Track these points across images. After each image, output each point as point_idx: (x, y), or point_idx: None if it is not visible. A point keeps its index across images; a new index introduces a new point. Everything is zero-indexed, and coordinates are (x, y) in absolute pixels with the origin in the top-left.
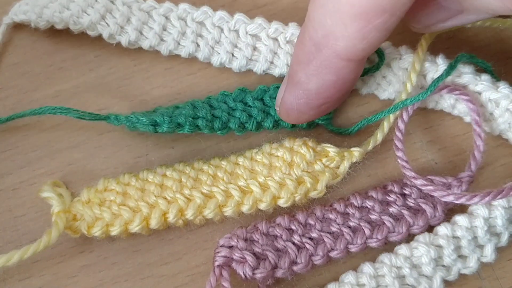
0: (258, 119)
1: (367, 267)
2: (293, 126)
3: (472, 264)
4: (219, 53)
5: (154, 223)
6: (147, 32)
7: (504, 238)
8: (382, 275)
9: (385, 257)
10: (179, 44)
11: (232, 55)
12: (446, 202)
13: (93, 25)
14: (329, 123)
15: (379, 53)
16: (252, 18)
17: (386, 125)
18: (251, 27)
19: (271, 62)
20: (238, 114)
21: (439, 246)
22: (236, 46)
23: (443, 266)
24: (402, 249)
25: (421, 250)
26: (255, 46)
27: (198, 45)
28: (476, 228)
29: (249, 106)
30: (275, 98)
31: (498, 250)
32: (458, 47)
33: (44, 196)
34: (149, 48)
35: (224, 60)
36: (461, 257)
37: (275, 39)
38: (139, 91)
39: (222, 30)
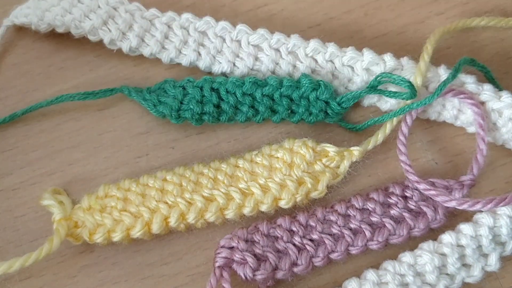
0: (264, 116)
1: (370, 274)
2: (301, 119)
3: (476, 273)
4: (220, 63)
5: (155, 228)
6: (148, 39)
7: (509, 247)
8: (385, 282)
9: (388, 265)
10: (180, 52)
11: (234, 64)
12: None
13: (95, 30)
14: (341, 119)
15: (410, 87)
16: (252, 18)
17: (388, 126)
18: (253, 38)
19: (273, 72)
20: (245, 109)
21: (443, 255)
22: (238, 56)
23: (447, 274)
24: (406, 257)
25: (425, 258)
26: (257, 56)
27: (200, 54)
28: (481, 237)
29: (258, 101)
30: (286, 96)
31: (502, 258)
32: (459, 46)
33: (45, 204)
34: (150, 56)
35: (226, 69)
36: (465, 265)
37: (277, 50)
38: None
39: (224, 40)
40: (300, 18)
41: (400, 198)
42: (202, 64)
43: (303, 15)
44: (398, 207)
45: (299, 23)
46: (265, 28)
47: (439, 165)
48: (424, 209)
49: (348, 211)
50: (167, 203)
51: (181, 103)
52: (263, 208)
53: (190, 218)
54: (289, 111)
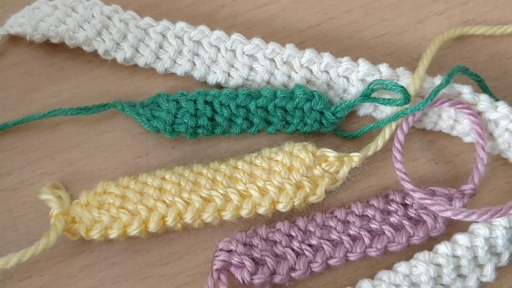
0: (259, 128)
1: (365, 284)
2: (296, 130)
3: (471, 284)
4: (215, 73)
5: (152, 226)
6: (143, 50)
7: (505, 258)
8: None
9: (383, 275)
10: (175, 62)
11: (229, 74)
12: None
13: (89, 40)
14: (337, 128)
15: (404, 92)
16: (252, 18)
17: (387, 132)
18: (248, 48)
19: (268, 83)
20: (239, 121)
21: (439, 265)
22: (232, 66)
23: (442, 285)
24: (401, 267)
25: (420, 268)
26: (251, 66)
27: (194, 64)
28: (477, 247)
29: (252, 113)
30: (280, 107)
31: (498, 269)
32: (459, 46)
33: (43, 198)
34: (145, 66)
35: (220, 79)
36: (460, 276)
37: (272, 60)
38: (139, 91)
39: (219, 49)
40: (300, 18)
41: (400, 206)
42: (197, 74)
43: (303, 15)
44: (398, 215)
45: (299, 23)
46: (264, 29)
47: (440, 165)
48: (424, 217)
49: (348, 217)
50: (165, 202)
51: (175, 117)
52: (261, 210)
53: (188, 218)
54: (284, 122)
